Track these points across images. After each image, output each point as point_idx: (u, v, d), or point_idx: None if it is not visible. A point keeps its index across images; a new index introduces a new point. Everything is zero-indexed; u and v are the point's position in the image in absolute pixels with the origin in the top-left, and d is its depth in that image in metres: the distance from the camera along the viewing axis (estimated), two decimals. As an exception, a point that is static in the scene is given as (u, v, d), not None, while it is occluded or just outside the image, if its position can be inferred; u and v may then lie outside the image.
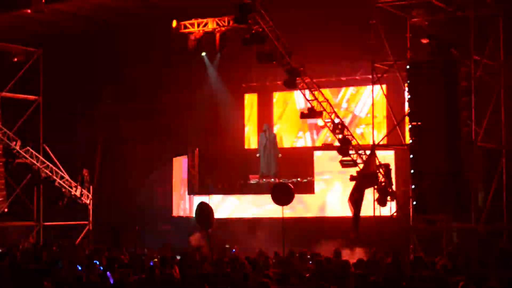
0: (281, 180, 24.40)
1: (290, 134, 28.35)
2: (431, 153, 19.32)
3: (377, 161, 21.20)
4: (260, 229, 23.12)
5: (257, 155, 26.70)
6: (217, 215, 24.82)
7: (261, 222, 23.74)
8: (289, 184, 19.53)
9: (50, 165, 25.68)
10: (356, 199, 19.47)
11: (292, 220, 21.61)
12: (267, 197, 23.03)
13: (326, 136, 27.04)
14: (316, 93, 21.49)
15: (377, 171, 21.08)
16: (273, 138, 26.90)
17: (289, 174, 25.62)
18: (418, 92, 19.64)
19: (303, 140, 28.10)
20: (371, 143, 21.52)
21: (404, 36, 20.77)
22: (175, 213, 28.34)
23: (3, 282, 12.51)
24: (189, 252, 17.16)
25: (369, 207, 20.88)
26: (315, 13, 22.41)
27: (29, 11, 21.97)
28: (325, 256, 16.17)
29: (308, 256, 16.82)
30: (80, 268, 14.53)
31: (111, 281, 12.69)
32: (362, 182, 19.78)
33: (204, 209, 16.25)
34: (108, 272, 13.21)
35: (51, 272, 13.76)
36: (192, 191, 27.04)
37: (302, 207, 24.62)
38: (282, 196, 18.06)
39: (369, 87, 22.61)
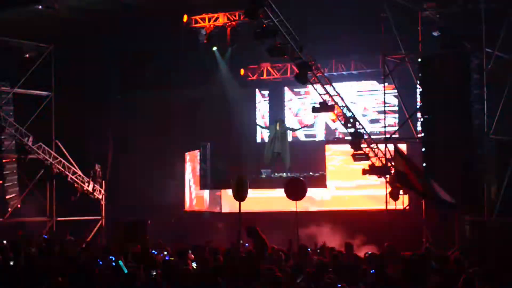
0: (294, 175, 24.37)
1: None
2: (443, 146, 19.28)
3: (388, 155, 21.19)
4: (272, 223, 23.13)
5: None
6: (229, 209, 25.03)
7: (273, 216, 23.76)
8: (302, 179, 19.49)
9: (63, 160, 25.78)
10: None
11: (306, 214, 21.63)
12: (279, 191, 23.11)
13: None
14: (327, 87, 21.46)
15: (389, 164, 21.07)
16: (285, 131, 26.86)
17: (301, 168, 25.62)
18: (430, 85, 19.61)
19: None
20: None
21: (416, 29, 20.69)
22: (187, 207, 28.41)
23: (19, 277, 12.56)
24: (200, 246, 17.17)
25: (382, 200, 20.90)
26: (326, 6, 22.34)
27: (40, 7, 21.99)
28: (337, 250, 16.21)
29: (318, 250, 16.86)
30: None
31: (125, 271, 12.72)
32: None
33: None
34: (120, 261, 13.23)
35: (65, 268, 13.80)
36: (204, 185, 27.10)
37: (315, 200, 24.69)
38: (295, 191, 18.03)
39: (381, 80, 22.55)
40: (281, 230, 20.06)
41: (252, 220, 16.94)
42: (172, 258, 15.96)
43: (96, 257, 15.48)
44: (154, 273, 13.14)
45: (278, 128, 26.57)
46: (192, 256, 15.82)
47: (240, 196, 15.27)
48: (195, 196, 28.15)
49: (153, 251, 17.51)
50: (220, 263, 13.96)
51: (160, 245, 18.88)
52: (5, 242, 21.15)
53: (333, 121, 24.27)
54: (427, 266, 13.09)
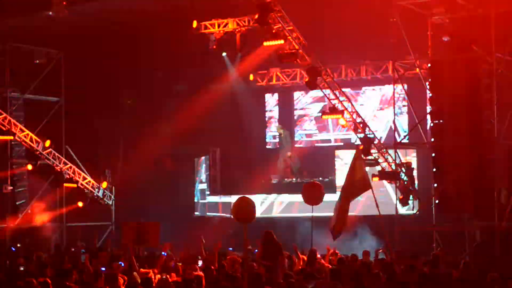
0: (303, 181, 24.37)
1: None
2: (453, 151, 19.25)
3: (398, 160, 21.19)
4: (280, 228, 23.13)
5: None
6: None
7: (281, 220, 23.76)
8: (319, 183, 19.43)
9: (73, 166, 25.83)
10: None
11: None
12: (289, 197, 23.22)
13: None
14: (337, 92, 21.47)
15: (399, 169, 21.07)
16: (288, 136, 27.01)
17: (310, 173, 25.62)
18: (440, 90, 19.59)
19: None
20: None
21: (425, 34, 20.67)
22: (196, 212, 28.42)
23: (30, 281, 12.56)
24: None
25: (392, 205, 20.86)
26: (335, 12, 22.36)
27: (50, 13, 22.06)
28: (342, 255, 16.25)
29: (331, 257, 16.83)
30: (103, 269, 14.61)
31: None
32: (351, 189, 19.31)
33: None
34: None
35: (74, 273, 13.84)
36: (214, 191, 27.12)
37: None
38: (313, 196, 18.00)
39: (390, 85, 22.53)
40: (290, 235, 20.06)
41: (264, 225, 16.94)
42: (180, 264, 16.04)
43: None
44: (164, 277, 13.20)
45: (283, 134, 26.81)
46: (199, 263, 15.85)
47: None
48: (204, 201, 28.15)
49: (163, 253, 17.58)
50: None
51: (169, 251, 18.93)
52: (19, 245, 21.34)
53: (343, 126, 24.21)
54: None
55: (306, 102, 27.84)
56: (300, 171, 26.38)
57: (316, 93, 26.05)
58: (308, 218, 17.74)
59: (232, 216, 15.44)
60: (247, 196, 14.70)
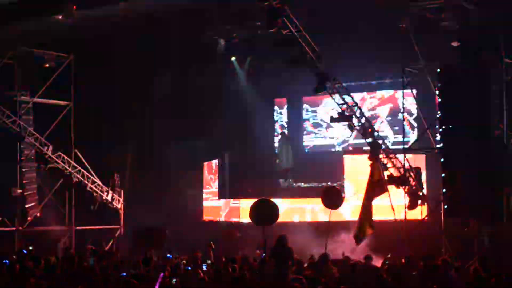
0: (312, 185, 24.41)
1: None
2: (463, 157, 19.20)
3: (407, 164, 21.17)
4: (290, 232, 23.12)
5: (277, 161, 27.00)
6: (247, 219, 25.00)
7: (289, 225, 23.73)
8: (338, 187, 19.50)
9: (82, 169, 25.91)
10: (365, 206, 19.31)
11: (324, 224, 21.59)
12: (298, 201, 23.13)
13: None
14: (345, 97, 21.46)
15: (407, 174, 21.05)
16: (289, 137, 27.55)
17: (319, 178, 25.61)
18: (449, 95, 19.55)
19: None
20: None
21: (434, 40, 20.66)
22: (205, 216, 28.46)
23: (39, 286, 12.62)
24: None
25: (400, 211, 20.83)
26: (344, 16, 22.37)
27: (60, 17, 22.15)
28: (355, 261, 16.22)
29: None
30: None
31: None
32: (372, 190, 19.54)
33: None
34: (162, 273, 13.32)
35: (84, 277, 13.88)
36: (222, 195, 27.16)
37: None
38: (332, 200, 18.05)
39: (400, 91, 22.52)
40: (298, 239, 20.06)
41: (273, 230, 16.95)
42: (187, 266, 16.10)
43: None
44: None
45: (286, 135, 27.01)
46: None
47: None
48: (213, 205, 28.18)
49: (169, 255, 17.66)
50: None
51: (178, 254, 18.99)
52: (31, 248, 21.39)
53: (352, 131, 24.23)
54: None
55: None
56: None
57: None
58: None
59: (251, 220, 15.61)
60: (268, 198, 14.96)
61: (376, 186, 17.51)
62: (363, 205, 19.11)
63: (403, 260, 17.29)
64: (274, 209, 16.26)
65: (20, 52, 25.57)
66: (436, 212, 20.79)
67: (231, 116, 27.52)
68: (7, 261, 16.63)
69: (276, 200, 25.33)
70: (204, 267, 16.86)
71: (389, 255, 17.87)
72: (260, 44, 22.72)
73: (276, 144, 28.70)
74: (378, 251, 19.43)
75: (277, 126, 29.45)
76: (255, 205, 16.28)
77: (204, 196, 28.75)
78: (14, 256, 18.56)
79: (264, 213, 16.00)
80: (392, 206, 19.66)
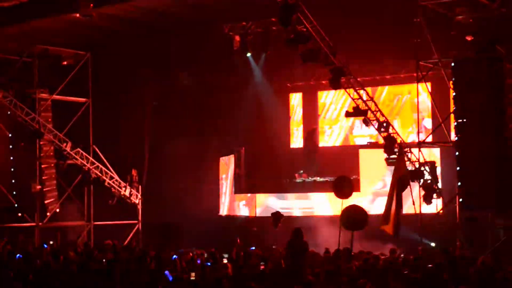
0: (327, 179, 24.52)
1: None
2: (477, 150, 19.25)
3: (422, 159, 21.26)
4: (304, 227, 23.26)
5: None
6: (264, 213, 25.20)
7: (304, 220, 23.86)
8: (350, 177, 19.63)
9: (100, 165, 26.18)
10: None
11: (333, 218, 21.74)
12: (312, 195, 23.20)
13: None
14: (360, 91, 21.58)
15: (422, 168, 21.15)
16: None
17: (334, 172, 25.68)
18: (463, 89, 19.59)
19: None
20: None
21: (449, 34, 20.70)
22: (221, 212, 28.64)
23: (58, 280, 12.84)
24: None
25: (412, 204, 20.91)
26: (358, 12, 22.44)
27: (77, 15, 22.38)
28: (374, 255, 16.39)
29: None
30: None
31: (170, 279, 12.97)
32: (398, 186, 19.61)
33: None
34: (166, 271, 13.51)
35: (105, 272, 14.09)
36: (238, 190, 27.33)
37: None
38: (343, 189, 18.19)
39: (414, 85, 22.58)
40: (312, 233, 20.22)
41: (290, 224, 17.13)
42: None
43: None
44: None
45: None
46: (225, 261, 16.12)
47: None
48: (229, 200, 28.37)
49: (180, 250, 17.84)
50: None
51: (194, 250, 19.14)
52: (51, 242, 21.68)
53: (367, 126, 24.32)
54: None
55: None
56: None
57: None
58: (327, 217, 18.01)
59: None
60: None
61: (403, 179, 17.61)
62: (394, 201, 18.94)
63: (419, 253, 17.46)
64: (364, 215, 16.68)
65: (38, 50, 25.86)
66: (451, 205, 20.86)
67: (247, 112, 27.64)
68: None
69: (291, 195, 25.95)
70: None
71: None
72: (275, 39, 22.79)
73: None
74: (391, 244, 19.62)
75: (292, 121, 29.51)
76: (347, 210, 16.72)
77: (221, 191, 28.93)
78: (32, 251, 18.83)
79: (356, 218, 16.49)
80: (413, 200, 19.78)
